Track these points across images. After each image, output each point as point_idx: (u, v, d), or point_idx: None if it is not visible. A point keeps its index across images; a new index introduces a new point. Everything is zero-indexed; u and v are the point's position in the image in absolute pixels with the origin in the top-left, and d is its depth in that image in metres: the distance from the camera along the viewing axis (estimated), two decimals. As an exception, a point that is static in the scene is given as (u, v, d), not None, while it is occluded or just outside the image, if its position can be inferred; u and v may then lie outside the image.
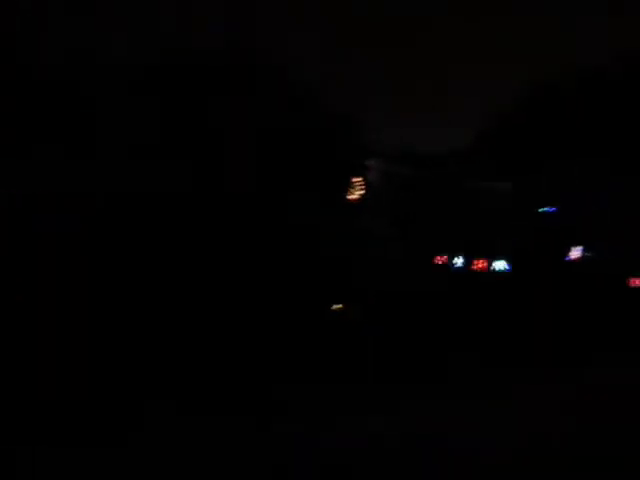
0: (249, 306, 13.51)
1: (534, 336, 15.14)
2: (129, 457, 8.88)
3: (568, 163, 18.08)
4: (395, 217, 16.41)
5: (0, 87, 12.10)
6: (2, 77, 12.23)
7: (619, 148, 18.13)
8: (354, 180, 15.96)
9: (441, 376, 12.86)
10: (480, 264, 17.11)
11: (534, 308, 16.02)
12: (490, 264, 17.14)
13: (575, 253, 18.27)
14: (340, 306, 14.27)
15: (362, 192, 16.03)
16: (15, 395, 10.80)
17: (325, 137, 14.91)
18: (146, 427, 10.17)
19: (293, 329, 13.71)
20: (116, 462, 8.71)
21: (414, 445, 9.14)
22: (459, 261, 17.09)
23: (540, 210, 18.25)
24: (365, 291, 14.92)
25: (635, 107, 18.68)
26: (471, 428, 9.80)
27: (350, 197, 15.93)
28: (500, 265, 17.21)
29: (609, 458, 8.30)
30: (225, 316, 13.16)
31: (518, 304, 16.07)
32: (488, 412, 10.72)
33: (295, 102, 14.71)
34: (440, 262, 16.81)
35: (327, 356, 13.27)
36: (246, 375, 12.25)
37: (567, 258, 18.22)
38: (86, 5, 13.96)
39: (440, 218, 16.88)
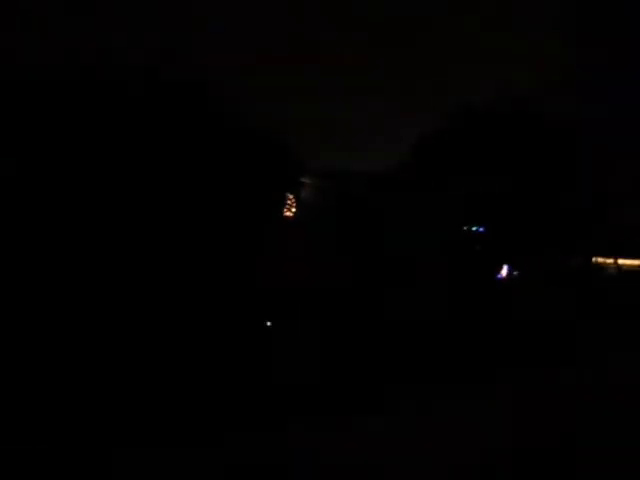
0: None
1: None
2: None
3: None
4: (331, 233, 16.39)
5: None
6: None
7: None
8: (289, 197, 16.11)
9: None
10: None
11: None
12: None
13: (503, 271, 18.76)
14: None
15: (294, 209, 16.18)
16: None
17: (258, 153, 14.91)
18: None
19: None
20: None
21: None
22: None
23: (470, 228, 18.67)
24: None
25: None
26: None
27: (286, 214, 16.09)
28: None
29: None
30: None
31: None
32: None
33: (224, 116, 14.63)
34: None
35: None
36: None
37: (498, 276, 18.71)
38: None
39: (377, 233, 16.93)
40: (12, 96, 12.26)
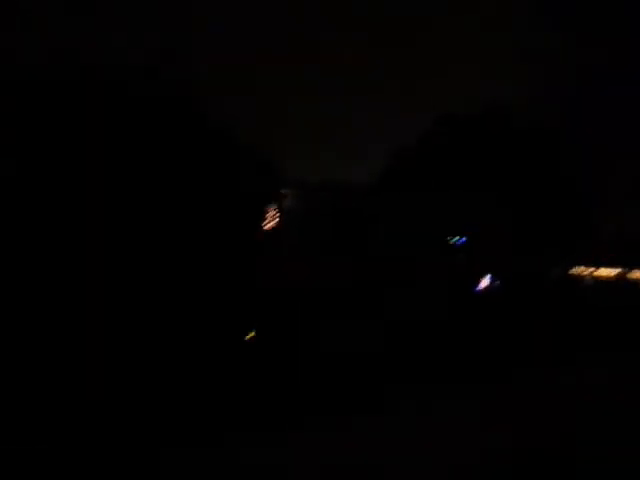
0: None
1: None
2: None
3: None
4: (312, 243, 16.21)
5: None
6: None
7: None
8: (269, 209, 15.90)
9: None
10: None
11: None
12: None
13: (484, 282, 18.91)
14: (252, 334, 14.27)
15: (277, 220, 15.97)
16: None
17: (239, 166, 14.69)
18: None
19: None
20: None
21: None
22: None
23: (452, 240, 18.70)
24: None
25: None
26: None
27: (266, 225, 15.87)
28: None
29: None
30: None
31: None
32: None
33: (204, 131, 14.46)
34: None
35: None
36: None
37: (478, 287, 18.82)
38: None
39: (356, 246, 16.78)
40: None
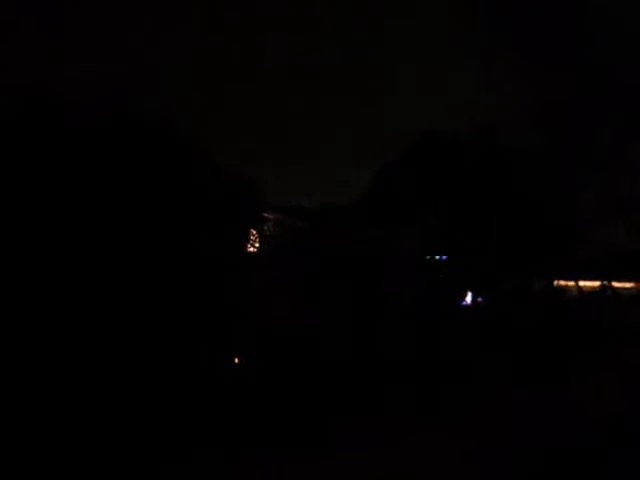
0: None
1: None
2: None
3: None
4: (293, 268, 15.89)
5: None
6: None
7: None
8: (252, 232, 15.77)
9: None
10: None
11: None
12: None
13: (468, 298, 19.23)
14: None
15: (258, 244, 15.87)
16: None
17: (221, 190, 14.59)
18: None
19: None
20: None
21: None
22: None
23: (432, 258, 18.82)
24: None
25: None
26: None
27: (250, 249, 15.75)
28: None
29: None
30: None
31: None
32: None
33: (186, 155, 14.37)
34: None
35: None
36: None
37: (464, 303, 19.07)
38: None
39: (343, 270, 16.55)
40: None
